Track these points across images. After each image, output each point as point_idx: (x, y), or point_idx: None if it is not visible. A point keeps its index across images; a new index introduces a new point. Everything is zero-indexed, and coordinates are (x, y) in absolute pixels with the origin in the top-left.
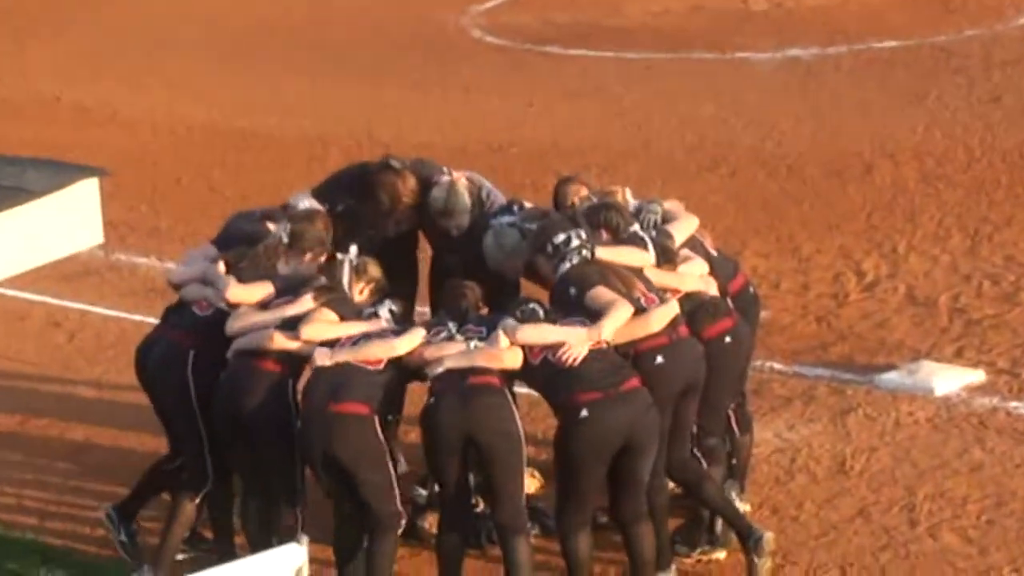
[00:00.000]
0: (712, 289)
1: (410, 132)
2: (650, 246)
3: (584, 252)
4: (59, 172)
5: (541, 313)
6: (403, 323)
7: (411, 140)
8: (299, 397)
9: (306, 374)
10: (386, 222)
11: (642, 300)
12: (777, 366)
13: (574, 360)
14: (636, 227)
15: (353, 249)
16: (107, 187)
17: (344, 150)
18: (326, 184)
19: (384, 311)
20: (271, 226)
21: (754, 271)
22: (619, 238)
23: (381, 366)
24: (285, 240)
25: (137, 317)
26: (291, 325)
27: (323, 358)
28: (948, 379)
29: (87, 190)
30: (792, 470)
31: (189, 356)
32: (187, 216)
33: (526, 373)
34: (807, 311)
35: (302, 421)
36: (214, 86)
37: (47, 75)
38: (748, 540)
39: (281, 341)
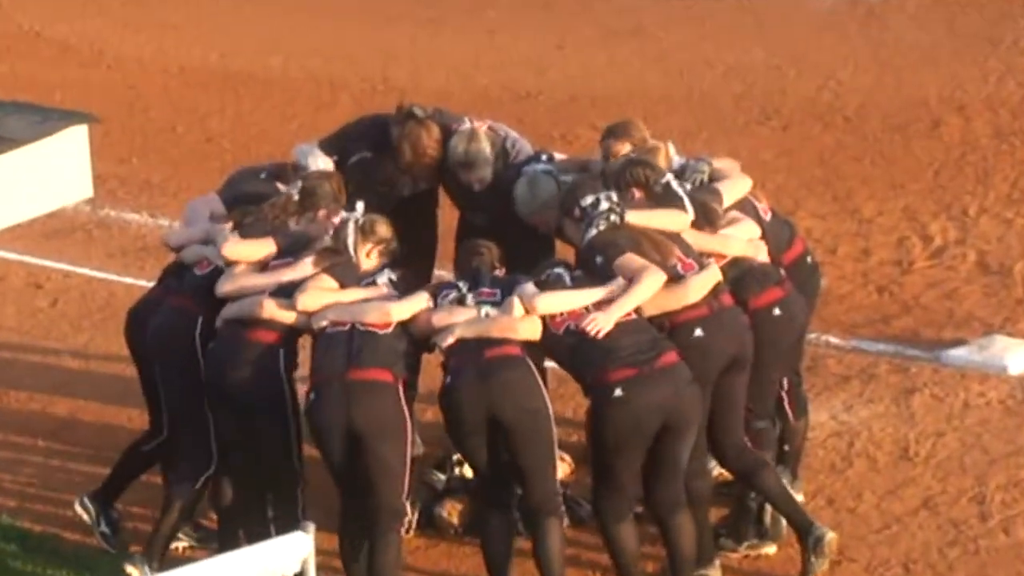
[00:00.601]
0: (761, 255)
1: (427, 76)
2: (687, 203)
3: (612, 216)
4: (44, 119)
5: (568, 279)
6: (407, 290)
7: (429, 85)
8: (298, 369)
9: (305, 348)
10: (403, 178)
11: (679, 267)
12: (834, 340)
13: (599, 331)
14: (669, 178)
15: (359, 206)
16: (94, 135)
17: (355, 95)
18: (337, 135)
19: (383, 278)
20: (281, 187)
21: (809, 234)
22: (652, 193)
23: (390, 329)
24: (296, 197)
25: (127, 279)
26: (286, 292)
27: (320, 320)
28: (1023, 356)
29: (75, 138)
30: (850, 456)
31: (197, 323)
32: (182, 168)
33: (549, 345)
34: (867, 279)
35: (316, 393)
36: (211, 23)
37: (26, 7)
38: (808, 538)
39: (272, 310)
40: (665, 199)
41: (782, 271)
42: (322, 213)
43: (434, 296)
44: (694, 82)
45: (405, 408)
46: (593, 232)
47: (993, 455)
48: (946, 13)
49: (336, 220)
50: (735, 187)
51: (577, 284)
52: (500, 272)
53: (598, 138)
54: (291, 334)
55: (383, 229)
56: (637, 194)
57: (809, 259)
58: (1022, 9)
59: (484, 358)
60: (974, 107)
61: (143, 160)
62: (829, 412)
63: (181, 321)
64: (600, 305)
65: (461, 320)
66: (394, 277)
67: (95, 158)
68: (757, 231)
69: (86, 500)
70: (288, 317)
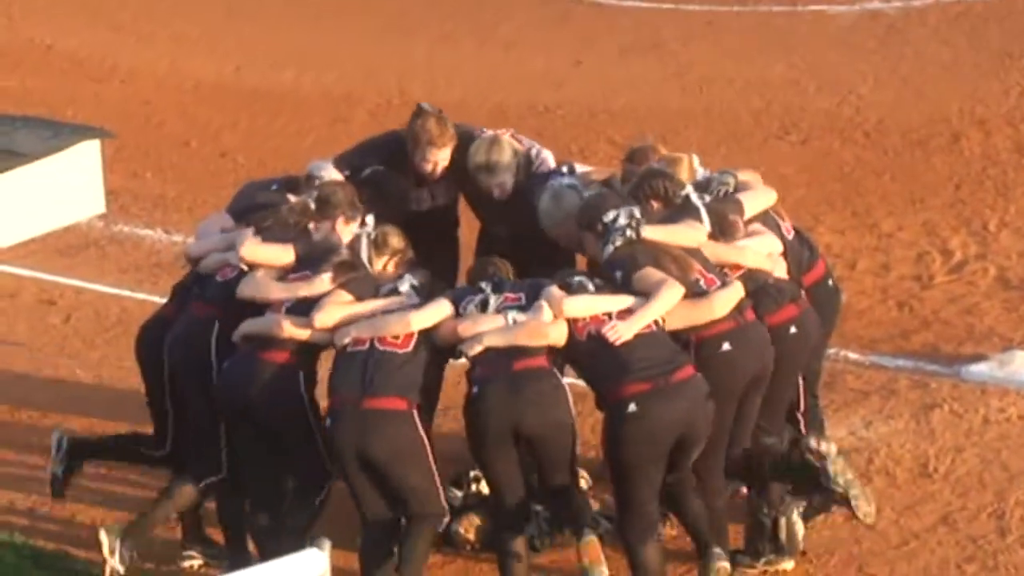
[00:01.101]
0: (779, 271)
1: (444, 91)
2: (704, 214)
3: (629, 232)
4: (56, 133)
5: (591, 286)
6: (428, 297)
7: (445, 99)
8: (318, 387)
9: (325, 364)
10: (418, 191)
11: (701, 282)
12: (853, 356)
13: (618, 339)
14: (689, 190)
15: (369, 220)
16: (107, 150)
17: (371, 110)
18: (352, 151)
19: (405, 286)
20: (292, 198)
21: (828, 249)
22: (671, 205)
23: (410, 347)
24: (312, 205)
25: (140, 295)
26: (303, 309)
27: (343, 337)
28: None
29: (87, 154)
30: (869, 472)
31: (213, 327)
32: (196, 184)
33: (570, 351)
34: (887, 295)
35: (332, 418)
36: (226, 38)
37: (37, 20)
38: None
39: (291, 329)
40: (683, 211)
41: (797, 287)
42: (340, 220)
43: (456, 302)
44: (713, 97)
45: (421, 430)
46: (611, 248)
47: (1013, 471)
48: (967, 28)
49: (352, 229)
50: (758, 198)
51: (599, 289)
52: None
53: (616, 153)
54: (310, 354)
55: (396, 241)
56: (655, 206)
57: (830, 281)
58: None
59: (513, 369)
60: (995, 122)
61: (157, 175)
62: (848, 428)
63: (198, 327)
64: (623, 314)
65: (488, 328)
66: (416, 282)
67: (108, 173)
68: (779, 246)
69: (63, 436)
70: (306, 335)
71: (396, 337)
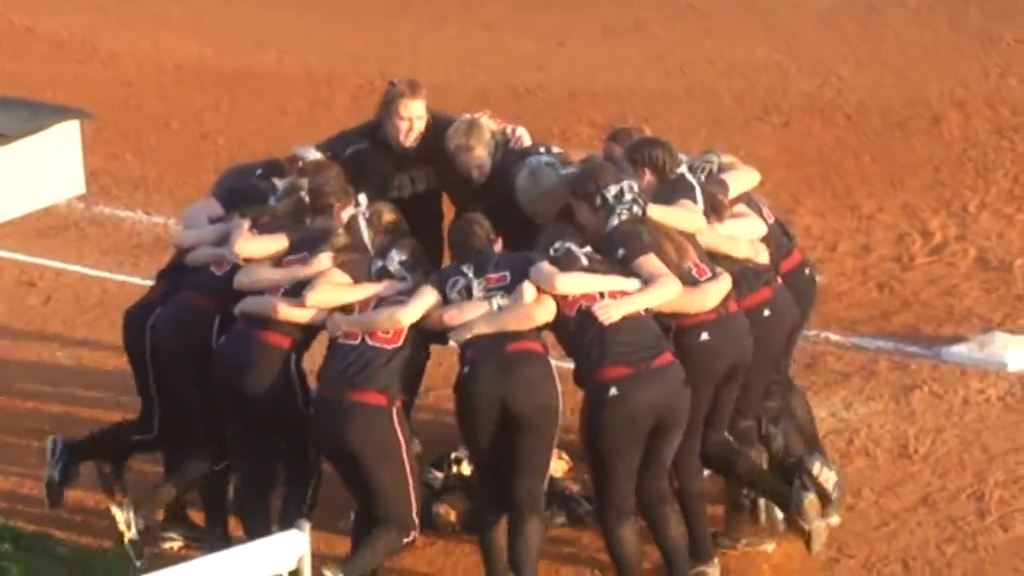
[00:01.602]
0: (762, 257)
1: (427, 73)
2: (699, 194)
3: (636, 208)
4: (35, 114)
5: (582, 256)
6: (414, 274)
7: (427, 81)
8: (310, 372)
9: (319, 350)
10: (400, 176)
11: (694, 271)
12: (834, 337)
13: (608, 317)
14: (684, 169)
15: (363, 199)
16: (88, 132)
17: (353, 92)
18: (334, 138)
19: (394, 264)
20: (277, 182)
21: (808, 231)
22: (665, 179)
23: (399, 341)
24: (307, 200)
25: (120, 276)
26: (299, 291)
27: (335, 327)
28: (1023, 352)
29: (66, 134)
30: (850, 453)
31: (215, 322)
32: (176, 165)
33: (557, 325)
34: (867, 276)
35: (315, 406)
36: (207, 18)
37: (18, 2)
38: (789, 507)
39: (286, 312)
40: (678, 187)
41: (772, 271)
42: (337, 207)
43: (440, 286)
44: (695, 79)
45: (399, 430)
46: (615, 221)
47: (992, 452)
48: (947, 10)
49: (348, 212)
50: (742, 179)
51: (591, 262)
52: (497, 246)
53: (597, 135)
54: (304, 337)
55: (388, 215)
56: (648, 176)
57: (807, 269)
58: (1023, 6)
59: (506, 351)
60: (974, 104)
61: (137, 157)
62: (829, 409)
63: (198, 318)
64: (614, 294)
65: (475, 316)
66: (404, 257)
67: (88, 154)
68: (763, 229)
69: (59, 440)
70: (301, 316)
71: (386, 332)
